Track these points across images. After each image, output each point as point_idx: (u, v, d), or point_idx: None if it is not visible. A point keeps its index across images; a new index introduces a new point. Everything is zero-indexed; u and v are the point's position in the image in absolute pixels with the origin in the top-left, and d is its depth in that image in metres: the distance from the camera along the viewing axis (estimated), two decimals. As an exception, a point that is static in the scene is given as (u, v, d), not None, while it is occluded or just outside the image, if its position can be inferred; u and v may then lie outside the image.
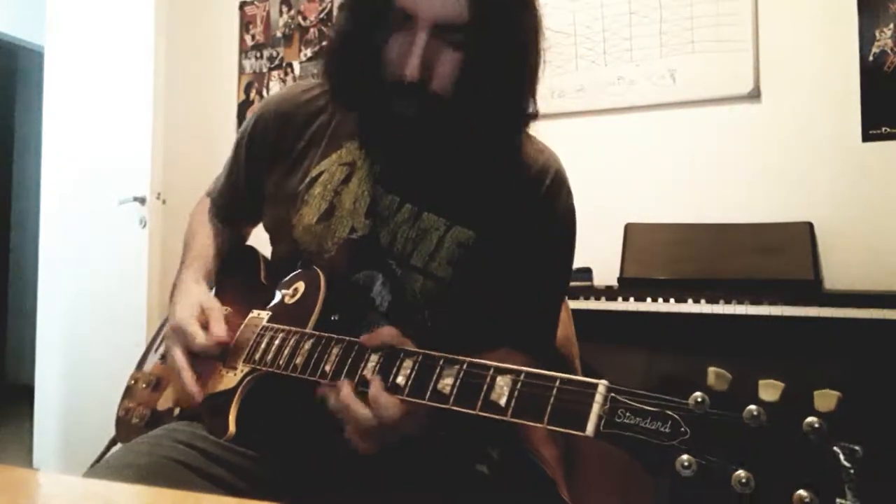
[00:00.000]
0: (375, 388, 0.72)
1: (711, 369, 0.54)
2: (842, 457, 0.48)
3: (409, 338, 0.78)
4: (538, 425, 0.61)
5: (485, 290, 0.92)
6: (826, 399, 0.50)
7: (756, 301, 1.82)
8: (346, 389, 0.74)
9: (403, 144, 0.90)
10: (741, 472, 0.50)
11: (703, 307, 1.87)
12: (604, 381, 0.60)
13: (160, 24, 2.66)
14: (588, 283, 2.13)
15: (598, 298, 2.00)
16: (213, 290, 1.06)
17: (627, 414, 0.57)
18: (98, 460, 1.06)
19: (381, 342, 0.75)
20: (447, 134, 0.87)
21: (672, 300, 1.90)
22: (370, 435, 0.73)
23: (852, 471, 0.47)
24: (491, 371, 0.67)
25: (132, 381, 1.08)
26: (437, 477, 0.86)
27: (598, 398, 0.59)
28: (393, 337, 0.76)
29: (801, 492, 0.48)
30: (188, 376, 0.89)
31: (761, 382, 0.52)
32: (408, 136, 0.88)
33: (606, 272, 2.18)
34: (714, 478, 0.51)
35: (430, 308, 0.91)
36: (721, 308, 1.85)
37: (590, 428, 0.58)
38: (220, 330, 0.90)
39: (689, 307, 1.89)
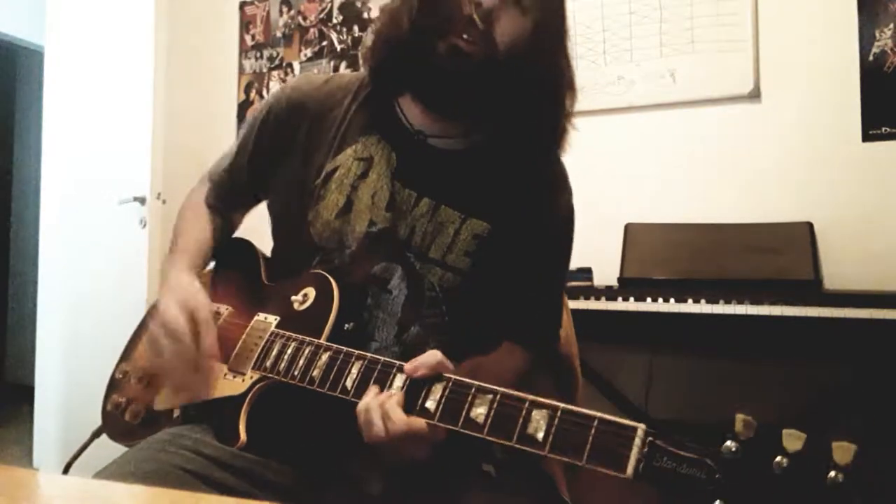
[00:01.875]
0: (392, 403, 0.74)
1: (739, 417, 0.58)
2: None
3: (425, 333, 0.79)
4: (576, 462, 0.63)
5: (499, 282, 0.94)
6: (844, 452, 0.53)
7: (756, 301, 1.82)
8: (374, 393, 0.76)
9: (452, 90, 0.89)
10: None
11: (703, 307, 1.87)
12: (641, 426, 0.62)
13: (160, 24, 2.66)
14: (588, 283, 2.13)
15: (598, 298, 1.99)
16: (211, 285, 1.05)
17: (665, 458, 0.59)
18: (80, 452, 1.05)
19: (425, 373, 0.75)
20: (491, 95, 0.89)
21: (672, 300, 1.90)
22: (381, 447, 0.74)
23: None
24: (527, 404, 0.68)
25: (119, 375, 1.06)
26: (446, 476, 0.86)
27: (637, 441, 0.61)
28: (437, 365, 0.75)
29: None
30: (178, 373, 0.88)
31: (785, 432, 0.56)
32: (459, 79, 0.88)
33: (606, 272, 2.18)
34: None
35: (448, 301, 0.92)
36: (721, 308, 1.85)
37: (629, 470, 0.60)
38: (212, 347, 0.89)
39: (689, 307, 1.88)
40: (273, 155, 1.02)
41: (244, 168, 1.06)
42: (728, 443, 0.57)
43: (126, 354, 1.08)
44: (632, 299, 1.95)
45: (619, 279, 2.13)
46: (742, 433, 0.57)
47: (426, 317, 0.92)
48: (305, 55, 3.06)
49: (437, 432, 0.73)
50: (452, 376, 0.74)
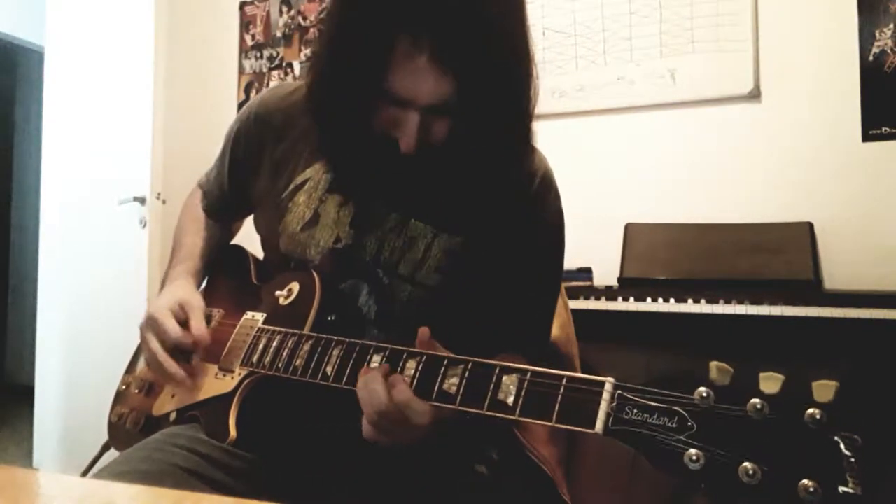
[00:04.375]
0: (398, 376, 0.72)
1: (713, 364, 0.55)
2: (842, 446, 0.49)
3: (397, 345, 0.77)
4: (546, 424, 0.62)
5: (474, 297, 0.91)
6: (825, 390, 0.51)
7: (756, 301, 1.82)
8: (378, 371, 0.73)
9: (396, 178, 0.90)
10: (747, 464, 0.51)
11: (703, 307, 1.87)
12: (610, 379, 0.60)
13: (160, 24, 2.66)
14: (588, 283, 2.13)
15: (598, 298, 1.99)
16: (203, 290, 1.06)
17: (635, 410, 0.58)
18: (91, 466, 1.06)
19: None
20: (442, 167, 0.87)
21: (672, 300, 1.90)
22: (382, 424, 0.72)
23: (853, 459, 0.49)
24: (497, 370, 0.67)
25: (123, 386, 1.07)
26: (437, 477, 0.86)
27: (606, 396, 0.59)
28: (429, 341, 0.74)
29: (805, 481, 0.49)
30: (167, 362, 0.89)
31: (762, 375, 0.53)
32: (402, 175, 0.88)
33: (606, 272, 2.18)
34: (721, 470, 0.52)
35: (418, 316, 0.90)
36: (721, 308, 1.85)
37: (598, 425, 0.58)
38: (199, 328, 0.90)
39: (689, 307, 1.88)
40: (247, 170, 1.03)
41: (225, 181, 1.08)
42: (700, 389, 0.55)
43: (129, 367, 1.10)
44: (632, 299, 1.95)
45: (619, 279, 2.13)
46: (717, 380, 0.55)
47: (400, 331, 0.90)
48: (305, 55, 3.06)
49: (441, 412, 0.70)
50: (425, 351, 0.73)
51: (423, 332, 0.75)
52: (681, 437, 0.55)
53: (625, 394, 0.59)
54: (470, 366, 0.69)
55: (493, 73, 0.80)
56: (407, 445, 0.74)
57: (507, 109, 0.85)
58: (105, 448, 1.06)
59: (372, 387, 0.71)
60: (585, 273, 2.15)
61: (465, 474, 0.90)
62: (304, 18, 3.07)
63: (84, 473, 1.07)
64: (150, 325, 0.91)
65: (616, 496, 1.79)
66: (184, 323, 0.92)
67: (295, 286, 0.91)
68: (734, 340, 1.89)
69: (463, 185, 0.91)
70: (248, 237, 1.15)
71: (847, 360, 1.82)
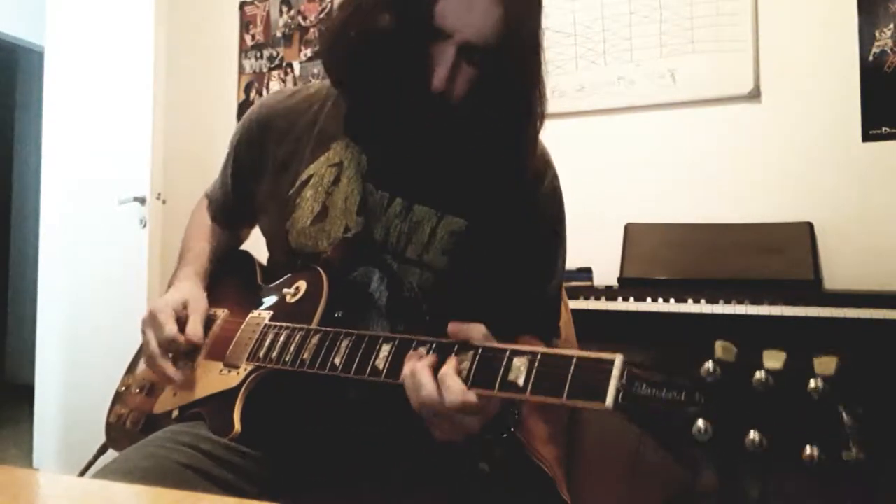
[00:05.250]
0: (447, 369, 0.70)
1: (718, 342, 0.57)
2: (845, 415, 0.51)
3: (406, 332, 0.77)
4: (557, 401, 0.62)
5: (482, 278, 0.92)
6: (826, 364, 0.53)
7: (756, 301, 1.82)
8: (425, 361, 0.71)
9: (406, 143, 0.90)
10: (753, 434, 0.53)
11: (703, 307, 1.87)
12: (619, 355, 0.61)
13: (160, 24, 2.66)
14: (588, 283, 2.13)
15: (598, 298, 1.99)
16: (208, 292, 1.06)
17: (644, 386, 0.59)
18: (87, 468, 1.06)
19: (465, 339, 0.72)
20: (451, 137, 0.88)
21: (672, 300, 1.90)
22: (439, 422, 0.71)
23: (855, 427, 0.50)
24: (507, 353, 0.68)
25: (122, 388, 1.07)
26: (439, 475, 0.86)
27: (616, 371, 0.60)
28: (484, 337, 0.72)
29: (809, 448, 0.50)
30: (161, 360, 0.89)
31: (766, 352, 0.55)
32: (413, 138, 0.88)
33: (606, 272, 2.18)
34: (728, 440, 0.54)
35: (429, 301, 0.91)
36: (721, 308, 1.85)
37: (609, 400, 0.59)
38: (194, 330, 0.91)
39: (689, 307, 1.88)
40: (251, 175, 1.03)
41: (230, 187, 1.09)
42: (707, 364, 0.57)
43: (129, 369, 1.10)
44: (632, 299, 1.95)
45: (619, 279, 2.13)
46: (722, 357, 0.57)
47: (409, 317, 0.91)
48: (305, 55, 3.06)
49: (493, 403, 0.70)
50: (434, 339, 0.73)
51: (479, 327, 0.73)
52: (689, 410, 0.56)
53: (634, 370, 0.60)
54: (480, 350, 0.70)
55: (532, 22, 0.86)
56: (460, 439, 0.73)
57: (528, 76, 0.88)
58: (102, 450, 1.06)
59: (419, 380, 0.70)
60: (585, 273, 2.15)
61: (467, 473, 0.90)
62: (304, 18, 3.07)
63: (80, 475, 1.07)
64: (150, 320, 0.92)
65: (616, 496, 1.79)
66: (184, 321, 0.92)
67: (302, 284, 0.91)
68: (734, 340, 1.90)
69: (465, 165, 0.91)
70: (254, 245, 1.16)
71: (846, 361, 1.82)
